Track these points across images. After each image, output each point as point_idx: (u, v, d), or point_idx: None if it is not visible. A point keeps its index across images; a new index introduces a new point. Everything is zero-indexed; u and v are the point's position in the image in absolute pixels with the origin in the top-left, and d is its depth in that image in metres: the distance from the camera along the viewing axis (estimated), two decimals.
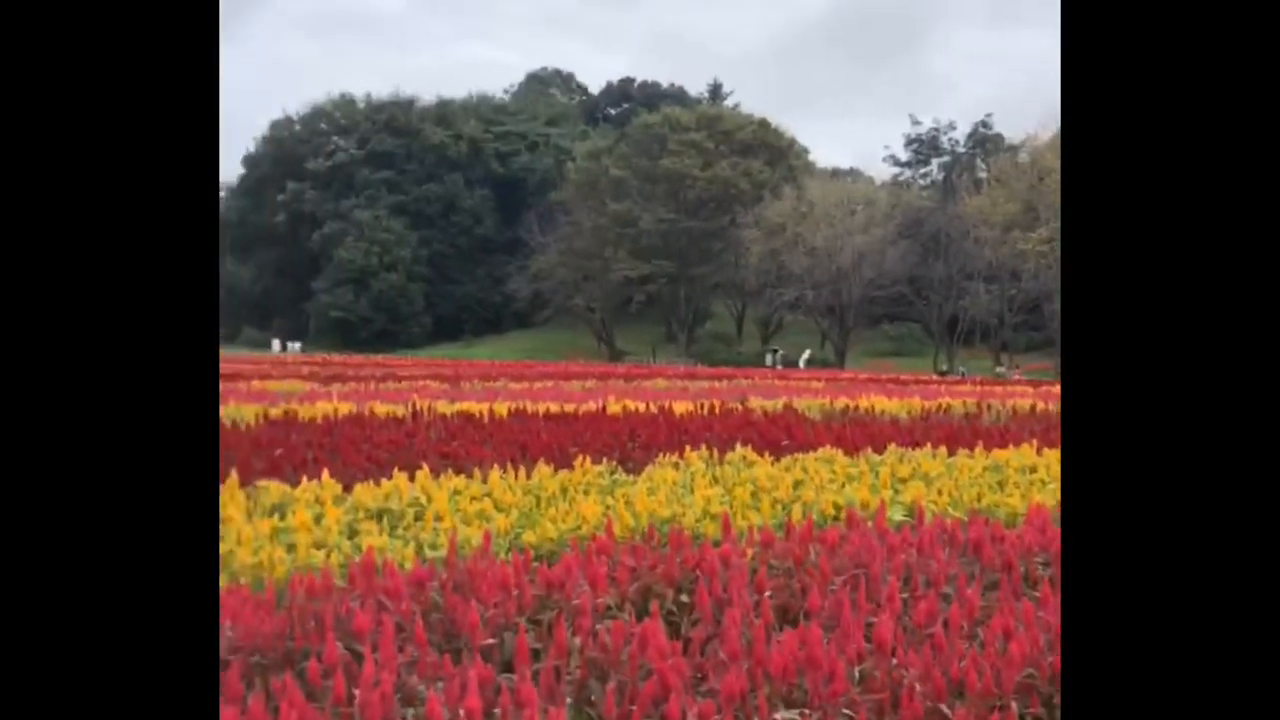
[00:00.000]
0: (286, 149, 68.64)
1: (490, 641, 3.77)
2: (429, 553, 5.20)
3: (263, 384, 18.42)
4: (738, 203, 53.27)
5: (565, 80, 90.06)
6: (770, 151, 57.95)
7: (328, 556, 5.14)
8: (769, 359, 45.60)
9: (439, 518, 5.81)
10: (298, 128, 70.54)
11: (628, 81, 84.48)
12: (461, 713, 2.98)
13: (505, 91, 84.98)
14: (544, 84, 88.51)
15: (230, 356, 39.95)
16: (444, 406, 12.63)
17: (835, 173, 63.69)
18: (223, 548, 5.10)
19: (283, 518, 5.77)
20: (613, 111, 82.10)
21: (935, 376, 35.28)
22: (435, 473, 7.11)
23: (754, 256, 48.76)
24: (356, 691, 3.18)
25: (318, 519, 5.70)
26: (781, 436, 9.53)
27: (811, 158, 64.14)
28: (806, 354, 43.91)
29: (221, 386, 17.23)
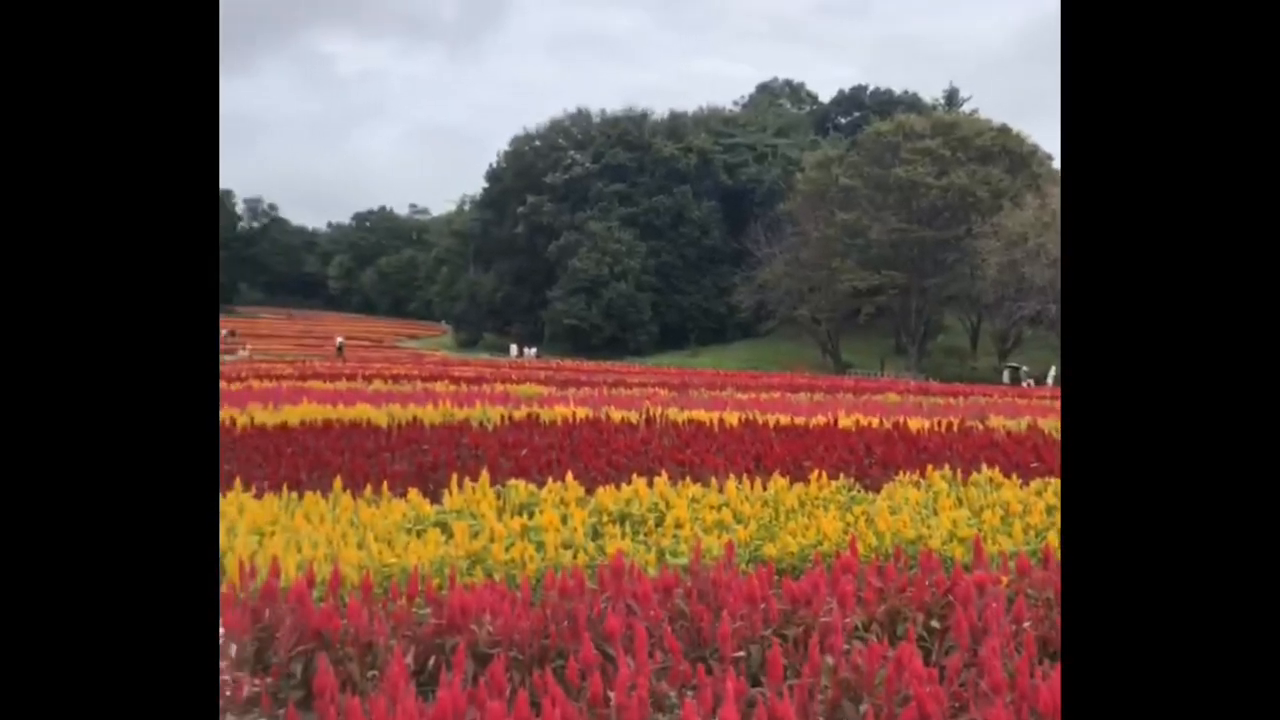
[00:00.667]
0: (526, 163, 71.80)
1: (739, 654, 3.76)
2: (671, 559, 5.27)
3: (504, 387, 19.30)
4: (974, 212, 51.07)
5: (795, 90, 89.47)
6: (1010, 158, 55.21)
7: (574, 556, 5.31)
8: (1006, 376, 43.09)
9: (679, 525, 5.87)
10: (537, 143, 73.67)
11: (859, 89, 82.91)
12: None
13: (735, 103, 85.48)
14: (774, 95, 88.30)
15: (472, 360, 42.22)
16: (675, 414, 12.80)
17: None
18: (476, 544, 5.37)
19: (530, 517, 6.01)
20: (843, 120, 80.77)
21: None
22: (672, 479, 7.21)
23: (991, 268, 46.56)
24: (611, 693, 3.26)
25: (563, 519, 5.90)
26: (1029, 458, 9.03)
27: (1056, 165, 60.64)
28: (1053, 371, 41.11)
29: (470, 389, 18.22)
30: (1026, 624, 3.98)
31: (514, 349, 57.72)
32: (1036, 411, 15.93)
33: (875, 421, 12.23)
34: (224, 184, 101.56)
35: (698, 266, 67.64)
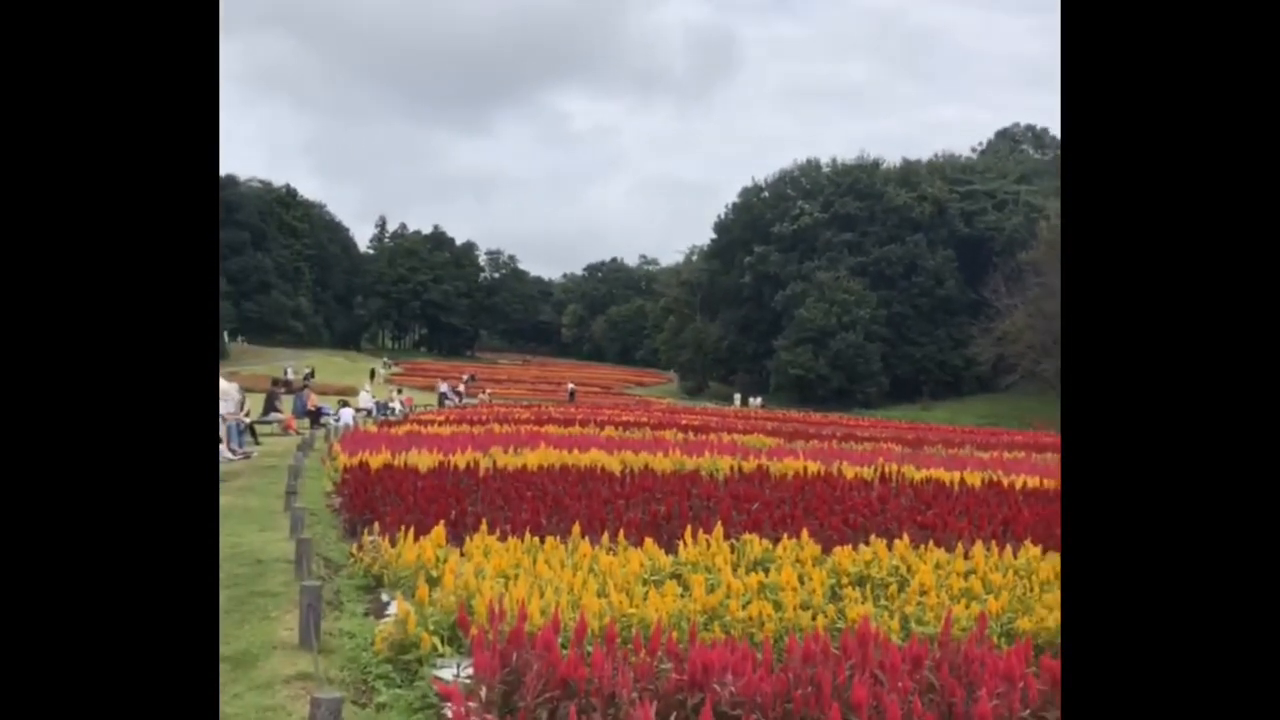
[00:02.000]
0: (755, 214, 72.40)
1: None
2: (916, 628, 5.03)
3: (731, 437, 19.30)
4: None
5: (1038, 136, 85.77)
6: None
7: (813, 618, 5.16)
8: None
9: (924, 591, 5.60)
10: (765, 194, 74.19)
11: None
12: None
13: (973, 150, 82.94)
14: (1014, 141, 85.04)
15: (698, 409, 42.56)
16: (911, 471, 12.34)
17: None
18: (713, 599, 5.33)
19: (766, 573, 5.91)
20: None
21: None
22: (913, 542, 6.91)
23: None
24: None
25: (800, 579, 5.76)
26: None
27: None
28: None
29: (698, 438, 18.35)
30: None
31: (738, 398, 57.79)
32: None
33: None
34: (467, 236, 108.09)
35: (931, 317, 65.62)
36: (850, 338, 62.05)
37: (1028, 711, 3.77)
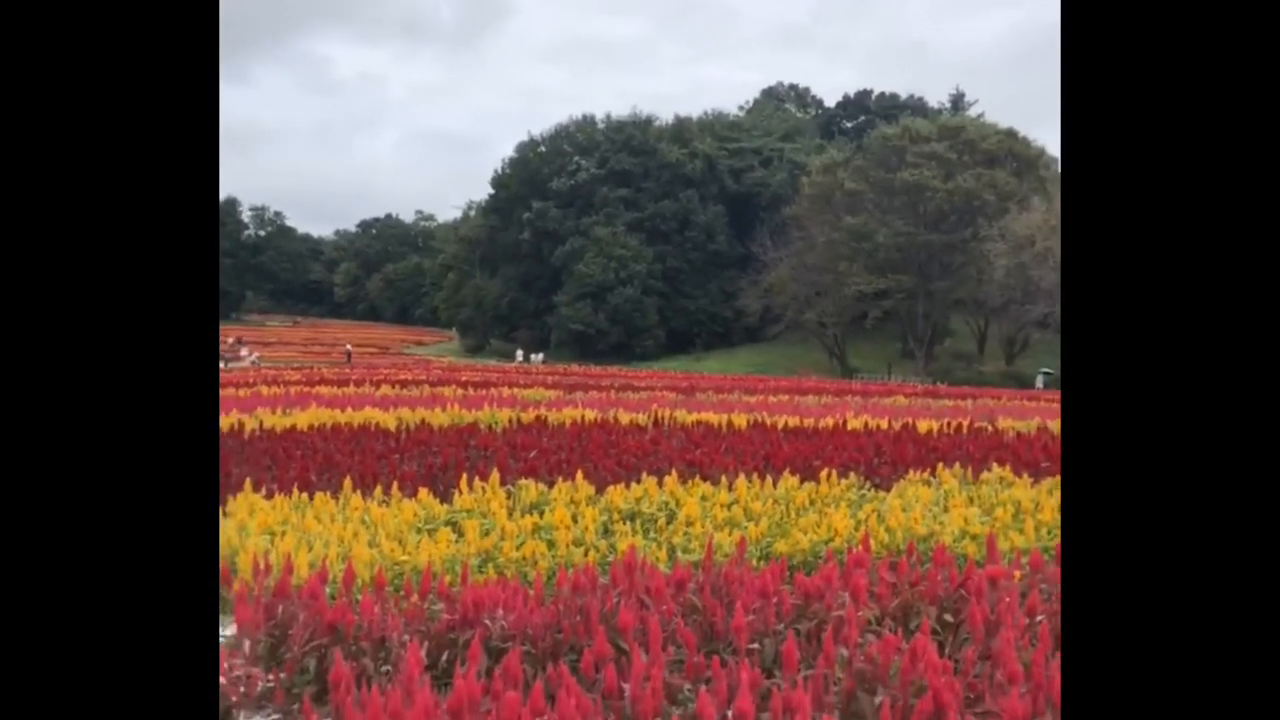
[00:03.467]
0: (532, 170, 71.91)
1: (753, 646, 3.75)
2: (683, 556, 5.26)
3: (512, 391, 19.31)
4: (981, 215, 50.99)
5: (800, 95, 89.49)
6: (1017, 162, 55.16)
7: (586, 554, 5.30)
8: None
9: (690, 522, 5.87)
10: (542, 149, 73.78)
11: (864, 94, 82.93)
12: (730, 714, 2.98)
13: (740, 108, 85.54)
14: (779, 100, 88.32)
15: (479, 366, 42.25)
16: (683, 416, 12.80)
17: None
18: (487, 542, 5.38)
19: (541, 516, 6.01)
20: (849, 125, 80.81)
21: None
22: (682, 479, 7.21)
23: (999, 271, 46.48)
24: (626, 685, 3.26)
25: (574, 518, 5.90)
26: (1039, 457, 9.01)
27: None
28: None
29: (478, 393, 18.23)
30: (1041, 617, 3.96)
31: (520, 354, 57.75)
32: (1045, 414, 15.89)
33: (884, 423, 12.21)
34: (228, 191, 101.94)
35: (704, 271, 67.60)
36: (628, 292, 63.08)
37: (781, 624, 4.04)
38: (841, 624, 3.65)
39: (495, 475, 6.90)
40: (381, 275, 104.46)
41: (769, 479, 7.15)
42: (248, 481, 6.83)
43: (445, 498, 6.65)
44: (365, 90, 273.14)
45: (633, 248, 64.86)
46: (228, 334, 63.02)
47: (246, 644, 3.92)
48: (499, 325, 71.50)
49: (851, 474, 7.57)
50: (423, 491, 6.55)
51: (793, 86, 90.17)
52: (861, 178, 54.33)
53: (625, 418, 12.38)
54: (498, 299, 70.65)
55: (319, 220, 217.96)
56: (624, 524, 5.89)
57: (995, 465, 8.13)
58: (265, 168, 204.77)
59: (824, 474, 7.29)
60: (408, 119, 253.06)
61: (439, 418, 12.38)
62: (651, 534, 5.80)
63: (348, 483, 6.77)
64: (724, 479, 7.13)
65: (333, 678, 3.12)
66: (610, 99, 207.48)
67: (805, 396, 20.71)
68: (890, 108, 75.82)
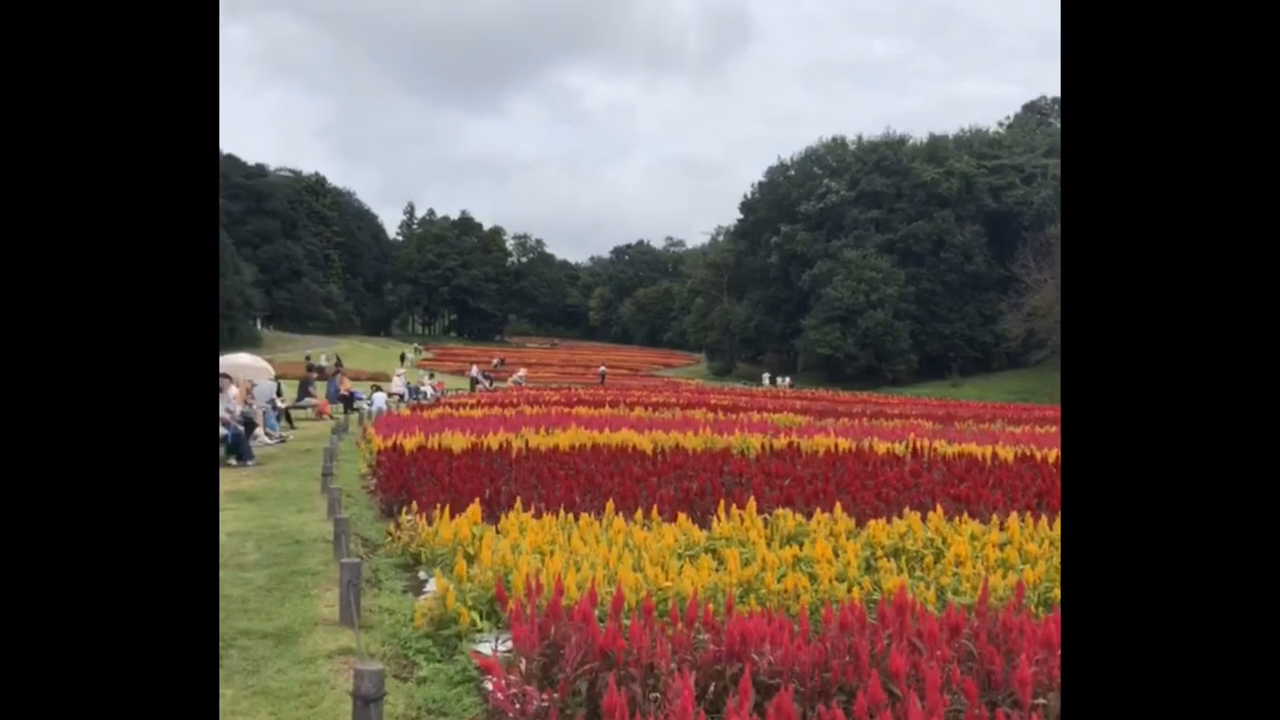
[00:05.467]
0: (781, 193, 72.00)
1: (1039, 701, 3.51)
2: (953, 598, 5.02)
3: (761, 416, 19.27)
4: None
5: None
6: None
7: (849, 590, 5.16)
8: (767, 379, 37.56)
9: (960, 562, 5.59)
10: (791, 172, 73.72)
11: None
12: None
13: (1000, 124, 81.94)
14: (1041, 114, 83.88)
15: (726, 389, 42.51)
16: (943, 447, 12.28)
17: None
18: (748, 572, 5.34)
19: (801, 547, 5.92)
20: None
21: None
22: (947, 515, 6.89)
23: None
24: None
25: (835, 552, 5.76)
26: None
27: None
28: None
29: (727, 417, 18.34)
30: None
31: (766, 378, 57.67)
32: None
33: None
34: (489, 219, 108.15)
35: (960, 294, 65.08)
36: (878, 315, 61.67)
37: None
38: None
39: (752, 504, 6.87)
40: (633, 299, 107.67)
41: (1044, 518, 6.70)
42: (518, 500, 7.16)
43: (703, 523, 6.69)
44: (613, 119, 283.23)
45: (884, 270, 63.43)
46: (492, 355, 66.93)
47: (522, 662, 4.08)
48: (746, 348, 71.83)
49: None
50: (682, 517, 6.62)
51: (1055, 99, 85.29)
52: None
53: (881, 447, 12.03)
54: (745, 322, 70.99)
55: (575, 247, 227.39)
56: (888, 560, 5.69)
57: None
58: (522, 196, 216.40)
59: None
60: (654, 147, 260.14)
61: (693, 441, 12.52)
62: (918, 572, 5.57)
63: (610, 505, 6.95)
64: (994, 517, 6.76)
65: (607, 704, 3.18)
66: (862, 120, 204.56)
67: None
68: None
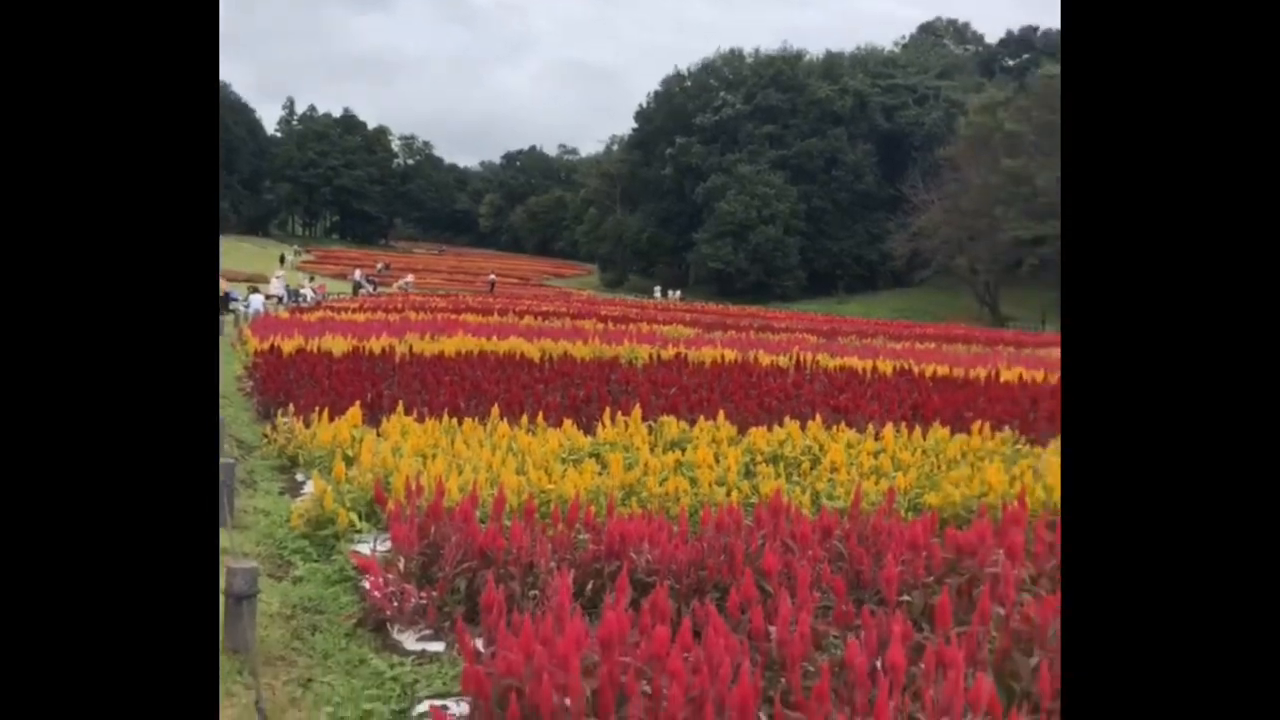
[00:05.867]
0: (676, 104, 71.25)
1: (903, 598, 3.66)
2: (826, 502, 5.18)
3: (651, 327, 19.38)
4: None
5: (960, 30, 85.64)
6: None
7: (728, 493, 5.28)
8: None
9: (835, 469, 5.76)
10: (688, 84, 72.92)
11: (1029, 30, 78.66)
12: (880, 665, 2.91)
13: (896, 44, 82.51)
14: (937, 35, 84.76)
15: (618, 300, 42.56)
16: (826, 360, 12.58)
17: None
18: (630, 476, 5.41)
19: (683, 453, 6.01)
20: (1011, 63, 76.91)
21: None
22: (826, 424, 7.08)
23: None
24: (772, 628, 3.22)
25: (716, 458, 5.87)
26: None
27: None
28: None
29: (617, 328, 18.38)
30: None
31: (658, 291, 57.91)
32: None
33: (1040, 375, 11.71)
34: (379, 120, 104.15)
35: (850, 212, 66.07)
36: (769, 231, 62.21)
37: (931, 578, 3.93)
38: (998, 581, 3.52)
39: (637, 410, 6.92)
40: (524, 207, 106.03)
41: (918, 429, 6.95)
42: (400, 404, 7.06)
43: (588, 430, 6.72)
44: (507, 19, 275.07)
45: (776, 186, 63.80)
46: (377, 259, 65.29)
47: (401, 561, 4.06)
48: (638, 261, 71.72)
49: (1006, 428, 7.29)
50: (567, 423, 6.63)
51: (952, 22, 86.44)
52: (1023, 118, 51.76)
53: (765, 359, 12.25)
54: (637, 234, 70.75)
55: (465, 151, 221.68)
56: (766, 466, 5.82)
57: None
58: (409, 96, 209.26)
59: (976, 426, 7.04)
60: (551, 49, 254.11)
61: (581, 351, 12.52)
62: (795, 478, 5.72)
63: (495, 410, 6.91)
64: (870, 427, 6.97)
65: (484, 601, 3.19)
66: (760, 33, 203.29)
67: (954, 345, 20.07)
68: (1057, 45, 71.76)
